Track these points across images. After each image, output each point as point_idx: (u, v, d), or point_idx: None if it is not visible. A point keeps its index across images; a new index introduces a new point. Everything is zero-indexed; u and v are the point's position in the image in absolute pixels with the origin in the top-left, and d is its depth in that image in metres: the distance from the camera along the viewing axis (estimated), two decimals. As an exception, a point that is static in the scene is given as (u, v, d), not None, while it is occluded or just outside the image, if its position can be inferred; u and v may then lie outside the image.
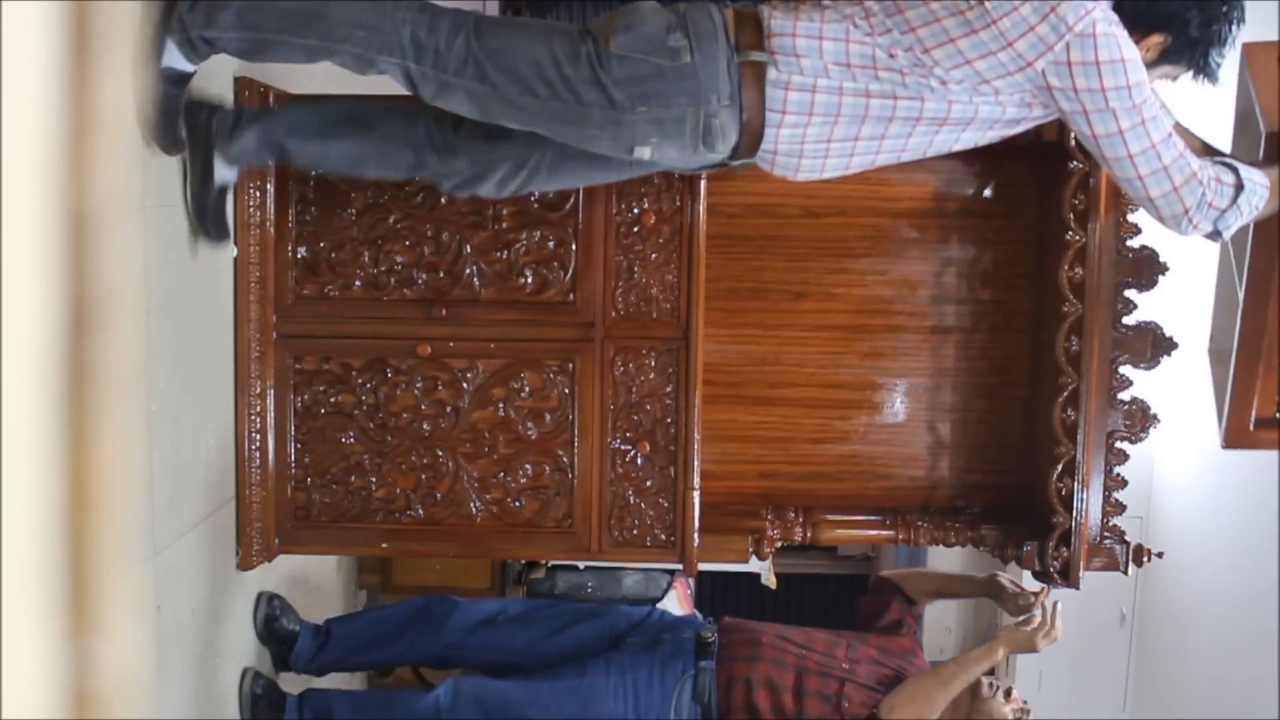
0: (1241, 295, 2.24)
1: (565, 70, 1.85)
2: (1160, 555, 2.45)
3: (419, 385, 2.42)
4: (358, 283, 2.41)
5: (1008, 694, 2.42)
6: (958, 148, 1.98)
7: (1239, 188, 1.88)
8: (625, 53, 1.84)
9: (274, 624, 2.61)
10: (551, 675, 2.52)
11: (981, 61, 1.83)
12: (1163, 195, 1.86)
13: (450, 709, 2.47)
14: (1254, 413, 2.30)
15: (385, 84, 2.07)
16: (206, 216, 2.12)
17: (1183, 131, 2.04)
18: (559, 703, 2.46)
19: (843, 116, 1.88)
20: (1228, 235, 1.93)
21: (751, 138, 1.90)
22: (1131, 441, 2.39)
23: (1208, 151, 2.04)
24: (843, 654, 2.51)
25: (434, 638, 2.65)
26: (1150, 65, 1.90)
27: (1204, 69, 1.94)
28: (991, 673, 2.45)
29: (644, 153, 1.92)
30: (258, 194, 2.36)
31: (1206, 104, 2.29)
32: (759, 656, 2.47)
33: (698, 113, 1.86)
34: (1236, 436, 2.32)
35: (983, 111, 1.89)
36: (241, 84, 2.30)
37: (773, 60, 1.86)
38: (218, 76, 2.24)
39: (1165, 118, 1.86)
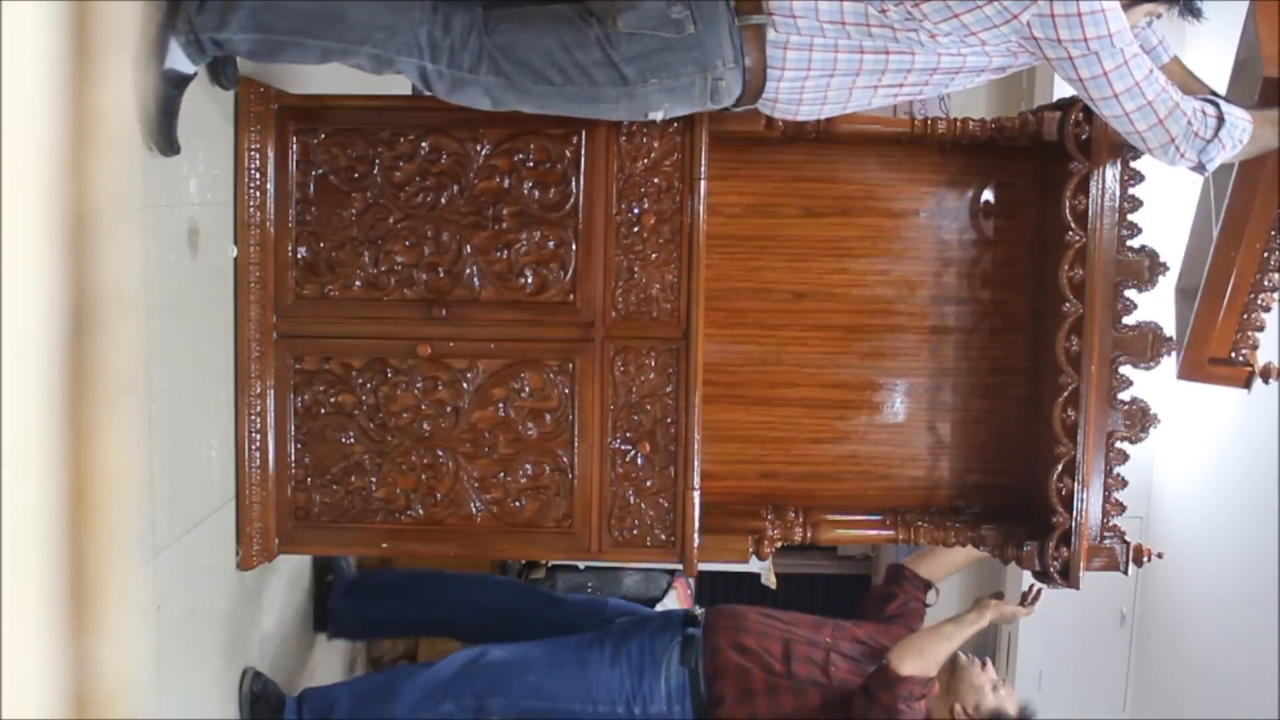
0: (1215, 234, 2.29)
1: (576, 56, 1.93)
2: (1160, 555, 2.45)
3: (419, 385, 2.42)
4: (358, 283, 2.41)
5: (983, 665, 2.54)
6: (947, 91, 2.10)
7: (1221, 120, 1.96)
8: (633, 30, 1.92)
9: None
10: (549, 644, 2.67)
11: (969, 15, 1.90)
12: (1149, 129, 1.95)
13: (450, 681, 2.58)
14: (1210, 350, 2.37)
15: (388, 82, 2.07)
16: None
17: (1185, 72, 2.15)
18: (556, 669, 2.59)
19: (838, 71, 2.00)
20: (1212, 168, 2.01)
21: (753, 92, 2.02)
22: (1131, 441, 2.39)
23: (1207, 92, 2.10)
24: (828, 632, 2.65)
25: (442, 595, 2.98)
26: (1132, 3, 1.96)
27: (1187, 5, 2.00)
28: (985, 665, 2.54)
29: (657, 115, 2.05)
30: (258, 194, 2.36)
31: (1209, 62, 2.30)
32: (745, 628, 2.62)
33: (705, 78, 1.97)
34: (1191, 370, 2.39)
35: (970, 61, 1.99)
36: (243, 84, 2.30)
37: (771, 22, 1.95)
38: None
39: (1145, 58, 1.94)
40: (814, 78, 2.00)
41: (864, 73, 2.00)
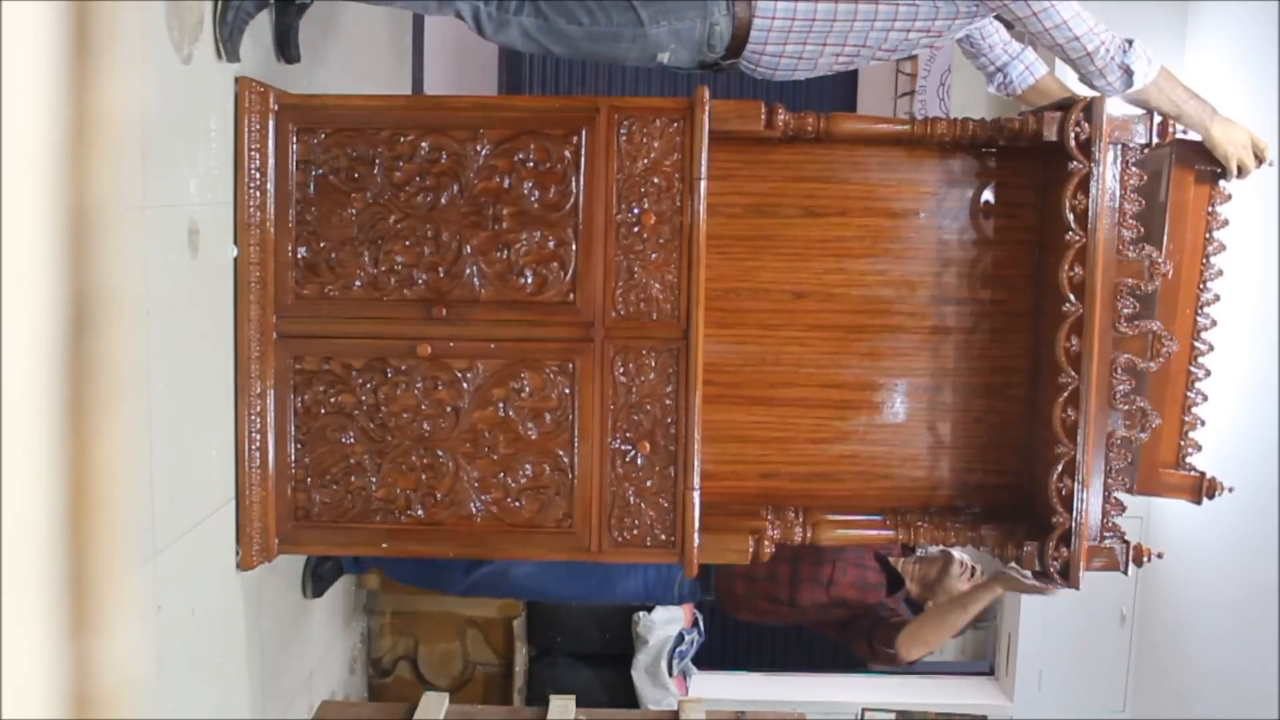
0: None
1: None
2: (1160, 556, 2.45)
3: (419, 385, 2.42)
4: (358, 283, 2.41)
5: (973, 573, 2.88)
6: (899, 54, 2.47)
7: (1129, 40, 2.35)
8: None
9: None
10: (568, 565, 2.95)
11: None
12: (1086, 32, 2.30)
13: (482, 581, 3.00)
14: (1160, 456, 2.47)
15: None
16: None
17: (1060, 86, 2.61)
18: (577, 579, 2.94)
19: (818, 20, 2.33)
20: (1138, 76, 2.33)
21: (739, 39, 2.35)
22: (1131, 442, 2.39)
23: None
24: (828, 555, 3.00)
25: None
26: None
27: None
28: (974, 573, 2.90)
29: (664, 58, 2.37)
30: (258, 194, 2.36)
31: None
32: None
33: (705, 22, 2.32)
34: (1147, 483, 2.49)
35: (922, 11, 2.34)
36: (243, 84, 2.30)
37: None
38: (221, 76, 2.24)
39: None
40: (796, 29, 2.33)
41: (838, 22, 2.32)
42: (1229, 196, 2.46)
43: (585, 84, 5.66)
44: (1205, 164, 2.43)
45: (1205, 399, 2.48)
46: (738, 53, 2.38)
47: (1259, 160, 2.41)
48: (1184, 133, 2.40)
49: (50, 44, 0.40)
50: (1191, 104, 2.39)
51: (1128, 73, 2.34)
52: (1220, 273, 2.47)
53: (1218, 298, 2.47)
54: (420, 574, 3.18)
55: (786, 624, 3.15)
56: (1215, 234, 2.46)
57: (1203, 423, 2.50)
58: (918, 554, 3.04)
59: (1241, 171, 2.41)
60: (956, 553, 2.87)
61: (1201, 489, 2.47)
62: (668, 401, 2.41)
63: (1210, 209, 2.45)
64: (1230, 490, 2.50)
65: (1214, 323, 2.47)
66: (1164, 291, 2.39)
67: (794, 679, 4.67)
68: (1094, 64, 2.34)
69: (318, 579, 2.99)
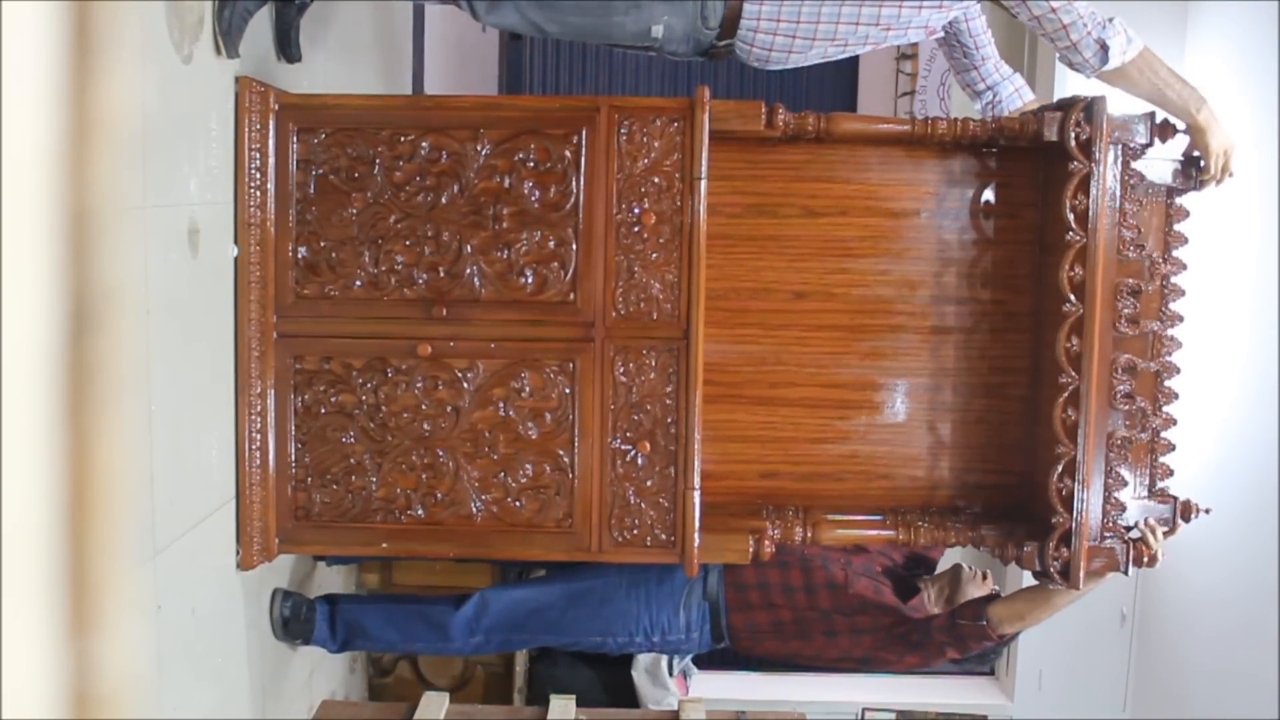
0: None
1: None
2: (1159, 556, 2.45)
3: (419, 385, 2.42)
4: (358, 283, 2.41)
5: (984, 577, 2.81)
6: (888, 43, 2.47)
7: (1110, 18, 2.33)
8: None
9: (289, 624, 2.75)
10: (568, 578, 2.84)
11: None
12: (1063, 4, 2.29)
13: (476, 618, 2.79)
14: None
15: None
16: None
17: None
18: (577, 603, 2.80)
19: (804, 11, 2.35)
20: (1113, 52, 2.29)
21: (733, 13, 2.37)
22: (1131, 442, 2.39)
23: None
24: (839, 557, 2.85)
25: None
26: None
27: None
28: (985, 578, 2.83)
29: (658, 30, 2.36)
30: (258, 193, 2.36)
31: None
32: (765, 567, 2.76)
33: None
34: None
35: (906, 7, 2.35)
36: (243, 84, 2.30)
37: None
38: (221, 76, 2.24)
39: None
40: (789, 6, 2.34)
41: (823, 18, 2.34)
42: (1187, 214, 2.42)
43: (585, 84, 5.65)
44: (1175, 160, 2.39)
45: (1175, 423, 2.45)
46: (732, 32, 2.39)
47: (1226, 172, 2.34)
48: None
49: (50, 44, 0.40)
50: (1176, 87, 2.33)
51: (1103, 48, 2.29)
52: (1183, 293, 2.42)
53: (1181, 319, 2.42)
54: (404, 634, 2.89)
55: (815, 654, 2.80)
56: (1174, 253, 2.41)
57: (1173, 447, 2.46)
58: (926, 577, 2.93)
59: (1211, 170, 2.33)
60: (965, 563, 2.85)
61: (1176, 514, 2.46)
62: (668, 401, 2.41)
63: (1168, 229, 2.42)
64: (1208, 511, 2.48)
65: (1180, 344, 2.43)
66: None
67: (794, 679, 4.67)
68: (1069, 38, 2.30)
69: (286, 622, 2.72)
